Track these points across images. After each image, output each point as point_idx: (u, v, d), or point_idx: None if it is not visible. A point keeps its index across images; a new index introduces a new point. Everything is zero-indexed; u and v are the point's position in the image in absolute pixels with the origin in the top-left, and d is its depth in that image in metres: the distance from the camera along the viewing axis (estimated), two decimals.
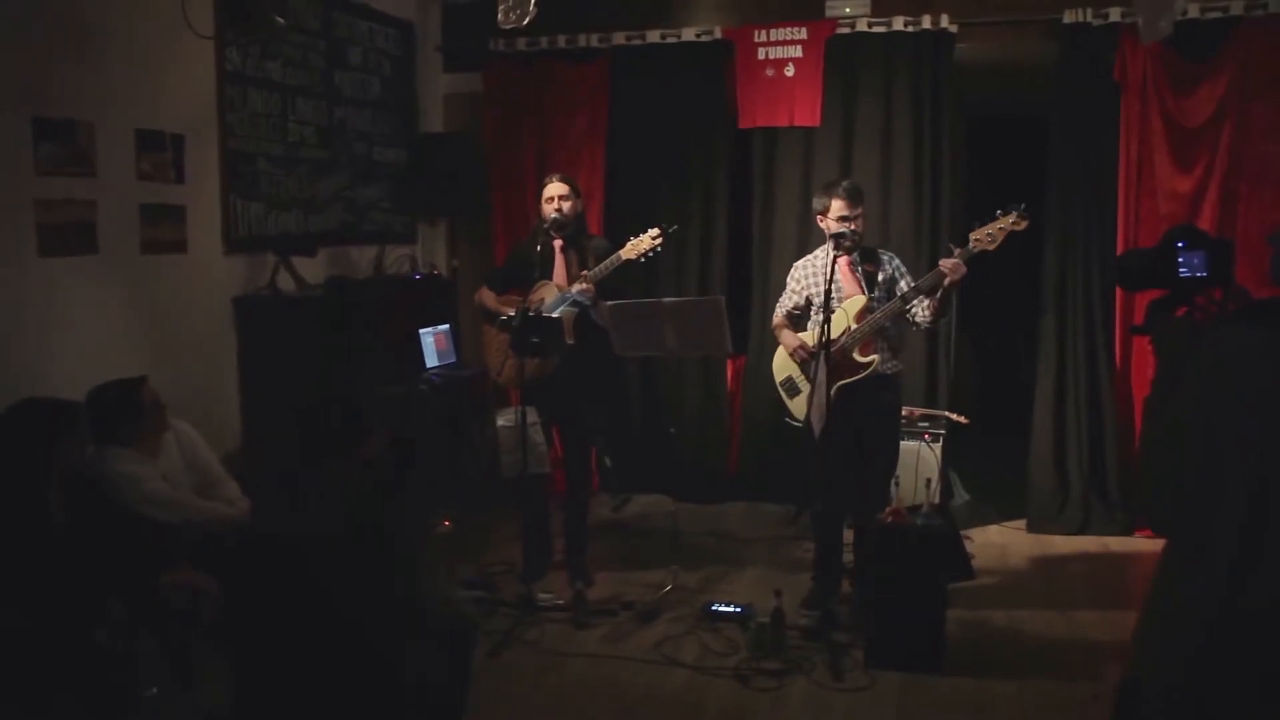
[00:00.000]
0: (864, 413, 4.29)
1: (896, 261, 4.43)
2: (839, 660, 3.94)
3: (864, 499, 4.31)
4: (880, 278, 4.32)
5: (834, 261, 4.22)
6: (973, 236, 4.10)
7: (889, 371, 4.35)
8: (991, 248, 4.07)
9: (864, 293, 4.30)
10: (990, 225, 4.06)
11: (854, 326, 4.26)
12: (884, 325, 4.27)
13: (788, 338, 4.46)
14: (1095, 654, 4.08)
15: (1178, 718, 1.82)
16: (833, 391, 4.11)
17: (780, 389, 4.53)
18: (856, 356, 4.25)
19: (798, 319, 4.50)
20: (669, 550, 4.76)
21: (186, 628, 3.39)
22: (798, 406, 4.44)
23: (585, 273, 4.46)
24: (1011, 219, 4.04)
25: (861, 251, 4.35)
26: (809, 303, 4.43)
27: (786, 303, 4.54)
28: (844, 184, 4.31)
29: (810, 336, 4.36)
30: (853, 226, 4.26)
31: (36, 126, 3.85)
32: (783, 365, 4.52)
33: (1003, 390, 6.95)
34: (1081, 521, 5.55)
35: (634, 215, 6.05)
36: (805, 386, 4.38)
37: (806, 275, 4.46)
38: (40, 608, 3.03)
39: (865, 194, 4.48)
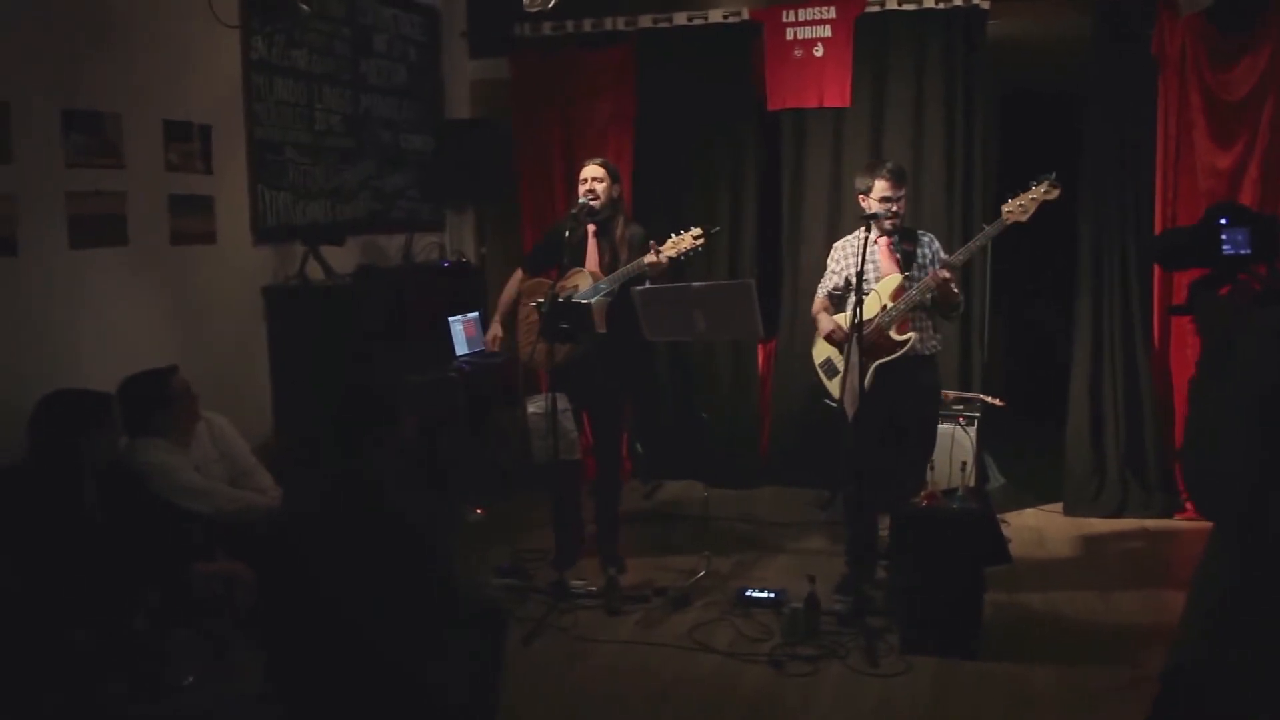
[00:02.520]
0: (902, 393, 4.28)
1: (936, 245, 4.42)
2: (874, 646, 3.91)
3: (900, 480, 4.28)
4: (918, 258, 4.32)
5: (865, 242, 4.19)
6: (1004, 208, 4.11)
7: (928, 351, 4.35)
8: (1024, 219, 4.10)
9: (900, 271, 4.30)
10: (1022, 196, 4.08)
11: (890, 305, 4.26)
12: (921, 301, 4.25)
13: (824, 321, 4.45)
14: (1135, 638, 4.02)
15: (1226, 706, 1.77)
16: (870, 371, 4.15)
17: (820, 371, 4.53)
18: (893, 335, 4.25)
19: (839, 299, 4.49)
20: (701, 536, 4.73)
21: (221, 616, 3.41)
22: (836, 387, 4.44)
23: (656, 247, 4.39)
24: (1043, 188, 4.06)
25: (902, 232, 4.36)
26: (849, 284, 4.39)
27: (827, 284, 4.53)
28: (888, 165, 4.30)
29: (847, 318, 4.33)
30: (894, 208, 4.26)
31: (65, 118, 3.86)
32: (822, 348, 4.51)
33: (1038, 372, 6.87)
34: (1119, 504, 5.47)
35: (662, 199, 6.03)
36: (844, 368, 4.37)
37: (846, 256, 4.45)
38: (77, 597, 3.05)
39: (908, 181, 4.46)
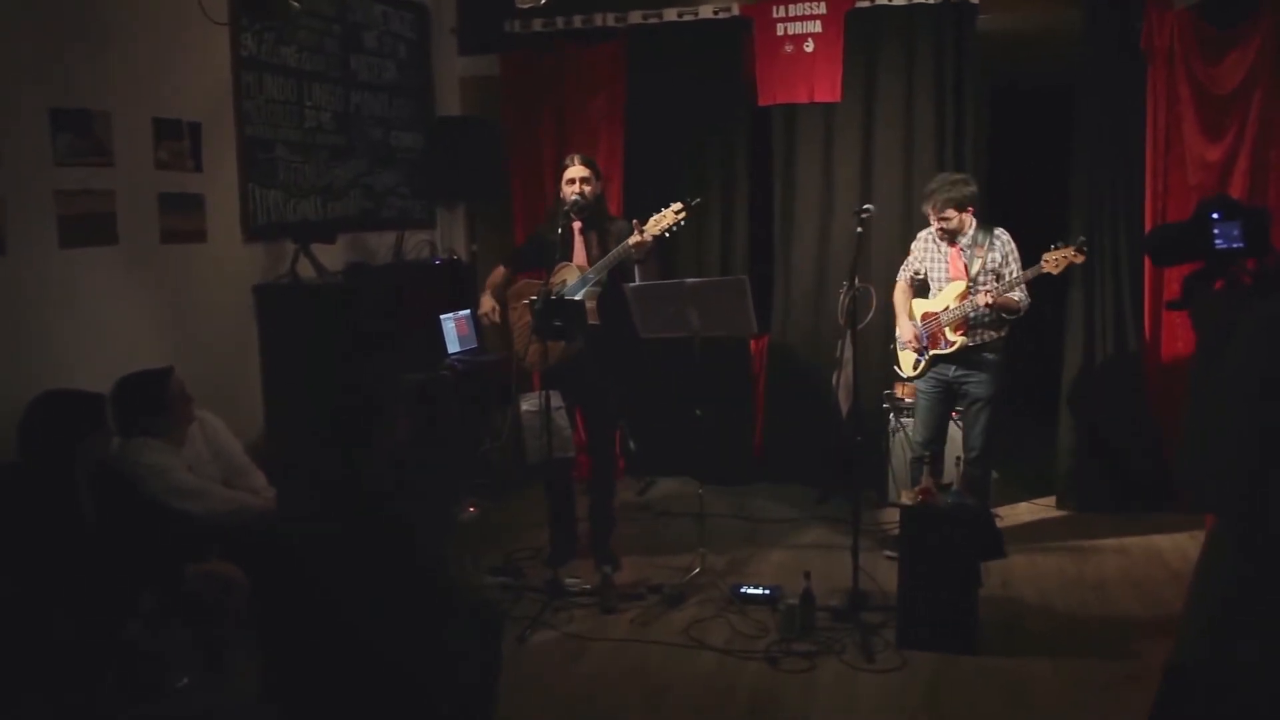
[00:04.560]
0: (960, 374, 4.77)
1: (1010, 248, 4.70)
2: (869, 641, 3.92)
3: (969, 445, 4.83)
4: (989, 263, 4.66)
5: (860, 237, 4.31)
6: (1044, 257, 4.53)
7: (985, 341, 4.72)
8: (1055, 272, 4.55)
9: (966, 277, 4.65)
10: (1057, 251, 4.51)
11: (952, 306, 4.69)
12: (975, 314, 4.64)
13: (903, 325, 4.94)
14: (1129, 631, 4.04)
15: (1230, 701, 1.77)
16: (927, 358, 4.82)
17: (899, 344, 5.00)
18: (948, 333, 4.71)
19: (920, 284, 4.95)
20: (695, 533, 4.72)
21: (216, 618, 3.39)
22: (905, 360, 4.95)
23: (640, 227, 4.40)
24: (1072, 251, 4.49)
25: (978, 231, 4.70)
26: (925, 274, 4.89)
27: (907, 271, 5.01)
28: (931, 186, 4.73)
29: (924, 306, 4.86)
30: (939, 227, 4.73)
31: (54, 117, 3.83)
32: (902, 328, 4.98)
33: (1030, 365, 6.88)
34: (1112, 497, 5.48)
35: (654, 196, 5.97)
36: (909, 355, 4.93)
37: (924, 250, 4.89)
38: (72, 600, 3.03)
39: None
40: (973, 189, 4.70)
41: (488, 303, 4.80)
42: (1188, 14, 5.10)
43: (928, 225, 5.14)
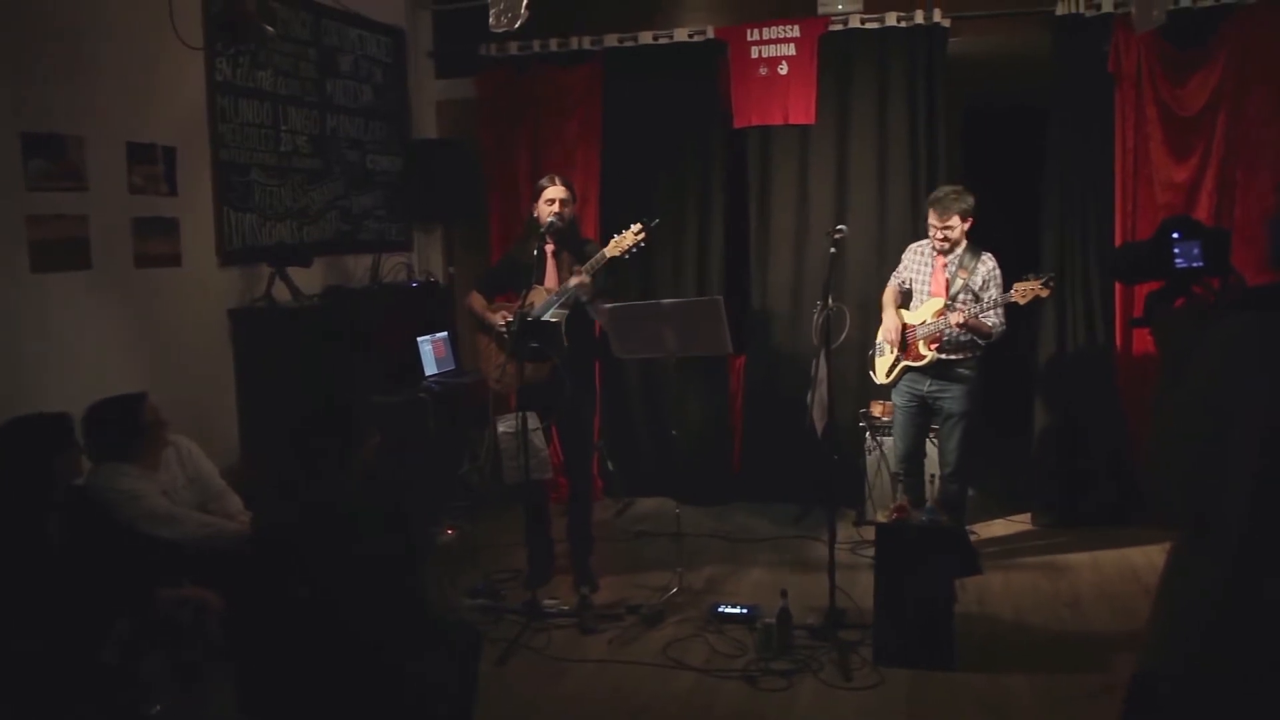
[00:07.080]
0: (935, 389, 4.79)
1: (996, 274, 4.72)
2: (847, 659, 3.93)
3: (945, 461, 4.86)
4: (970, 284, 4.69)
5: (833, 255, 4.32)
6: (1015, 286, 4.60)
7: (958, 357, 4.74)
8: (1021, 302, 4.60)
9: (946, 295, 4.70)
10: (1024, 284, 4.58)
11: (928, 321, 4.73)
12: (948, 333, 4.67)
13: (889, 318, 4.90)
14: (1104, 645, 4.06)
15: (1193, 709, 1.79)
16: (899, 368, 4.85)
17: (877, 349, 5.04)
18: (921, 348, 4.76)
19: (906, 293, 4.97)
20: (673, 553, 4.73)
21: (192, 644, 3.37)
22: (881, 365, 4.98)
23: (579, 268, 4.45)
24: (1038, 284, 4.57)
25: (966, 252, 4.74)
26: (910, 284, 4.91)
27: (896, 279, 5.02)
28: (938, 195, 4.76)
29: (904, 317, 4.86)
30: (939, 234, 4.72)
31: (26, 142, 3.82)
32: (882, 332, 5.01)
33: (1004, 382, 6.93)
34: (1085, 513, 5.52)
35: (630, 217, 5.99)
36: (887, 355, 4.93)
37: (913, 260, 4.93)
38: (44, 628, 3.01)
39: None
40: (973, 200, 4.75)
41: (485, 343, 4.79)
42: (1153, 36, 5.18)
43: (903, 241, 5.21)
